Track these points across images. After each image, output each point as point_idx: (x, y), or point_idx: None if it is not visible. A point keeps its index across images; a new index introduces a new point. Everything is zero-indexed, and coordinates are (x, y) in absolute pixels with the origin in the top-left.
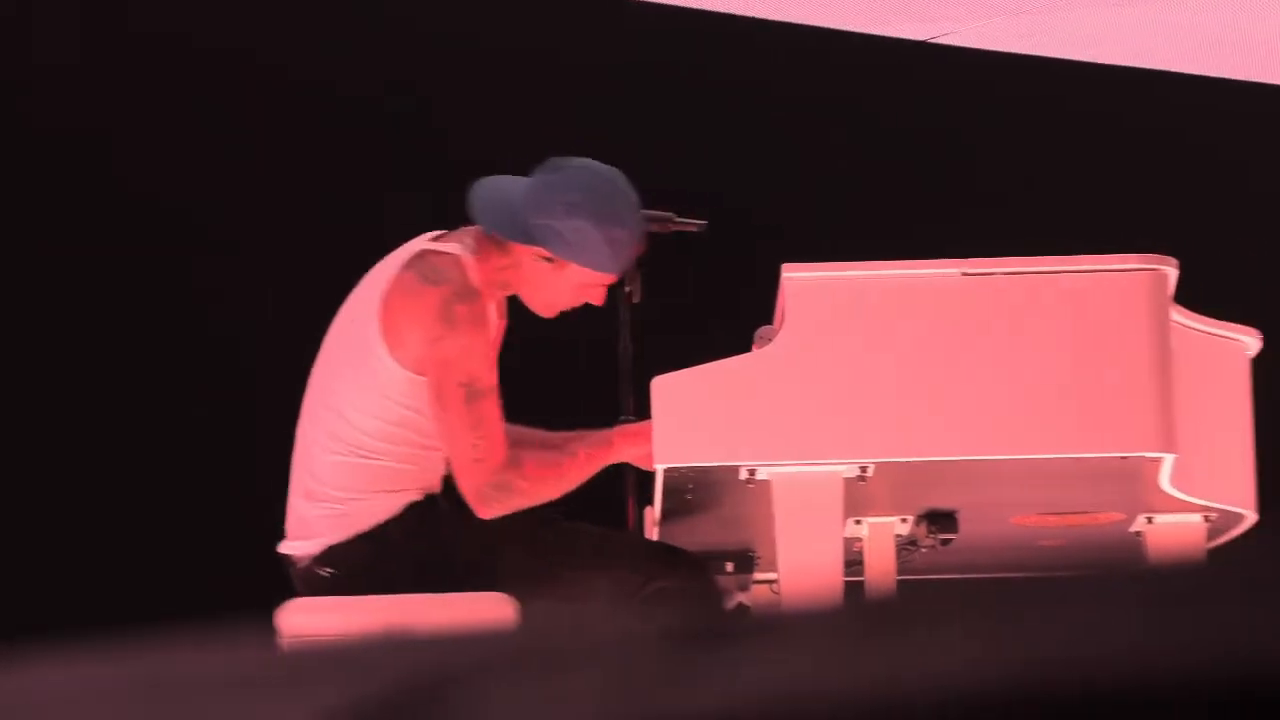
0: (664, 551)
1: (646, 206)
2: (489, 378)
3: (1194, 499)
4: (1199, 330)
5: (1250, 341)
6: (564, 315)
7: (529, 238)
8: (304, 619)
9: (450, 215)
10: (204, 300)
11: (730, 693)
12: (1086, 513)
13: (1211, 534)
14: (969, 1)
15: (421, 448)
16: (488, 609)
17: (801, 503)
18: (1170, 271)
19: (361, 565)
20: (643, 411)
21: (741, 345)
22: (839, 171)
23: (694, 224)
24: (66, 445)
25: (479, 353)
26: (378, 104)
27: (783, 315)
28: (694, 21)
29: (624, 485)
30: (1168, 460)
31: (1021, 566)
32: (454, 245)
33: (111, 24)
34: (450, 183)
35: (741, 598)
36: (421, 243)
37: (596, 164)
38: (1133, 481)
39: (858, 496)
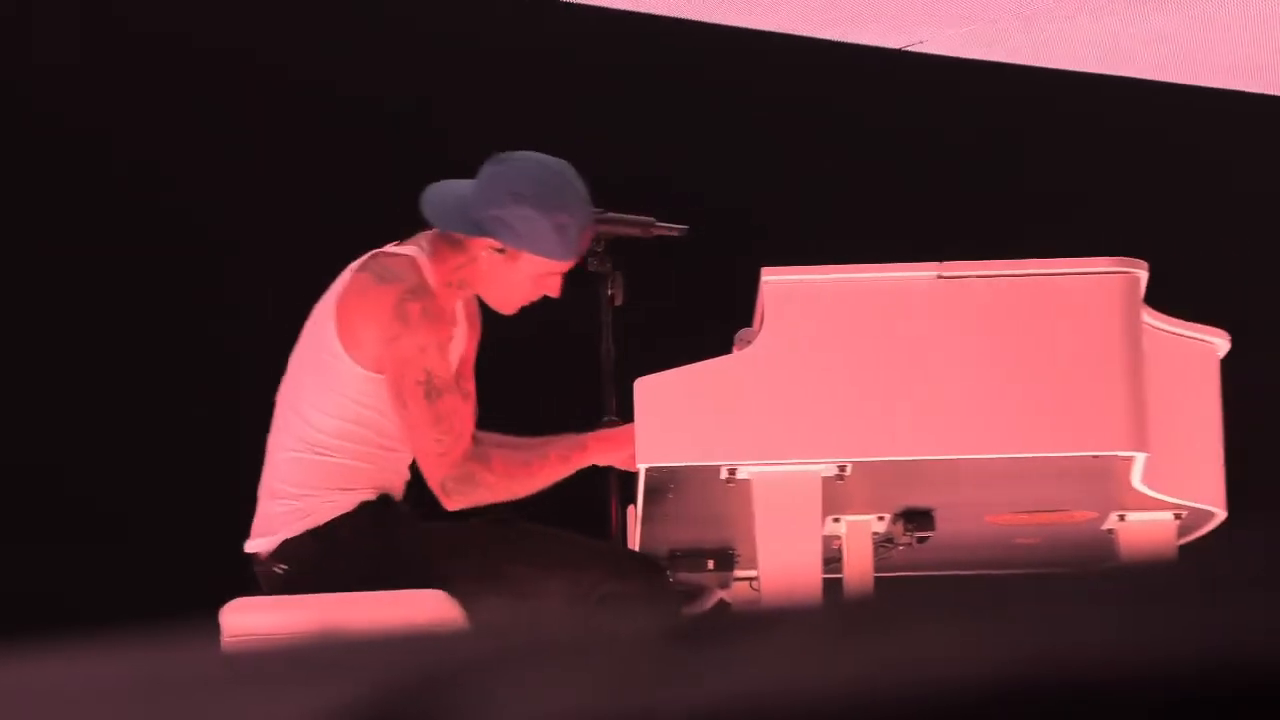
0: (617, 554)
1: (630, 210)
2: (447, 373)
3: (1165, 497)
4: (1169, 332)
5: (1220, 343)
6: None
7: (479, 230)
8: (244, 618)
9: None
10: (204, 300)
11: (722, 690)
12: (1060, 511)
13: (1182, 531)
14: (941, 11)
15: (380, 447)
16: (428, 608)
17: (781, 501)
18: (1141, 274)
19: (311, 562)
20: (625, 412)
21: (722, 347)
22: (816, 176)
23: (675, 228)
24: (66, 445)
25: (435, 349)
26: (378, 104)
27: (762, 317)
28: (682, 30)
29: (607, 484)
30: (1139, 459)
31: (997, 564)
32: (408, 248)
33: (111, 24)
34: None
35: (722, 594)
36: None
37: (541, 155)
38: (1105, 480)
39: (836, 495)
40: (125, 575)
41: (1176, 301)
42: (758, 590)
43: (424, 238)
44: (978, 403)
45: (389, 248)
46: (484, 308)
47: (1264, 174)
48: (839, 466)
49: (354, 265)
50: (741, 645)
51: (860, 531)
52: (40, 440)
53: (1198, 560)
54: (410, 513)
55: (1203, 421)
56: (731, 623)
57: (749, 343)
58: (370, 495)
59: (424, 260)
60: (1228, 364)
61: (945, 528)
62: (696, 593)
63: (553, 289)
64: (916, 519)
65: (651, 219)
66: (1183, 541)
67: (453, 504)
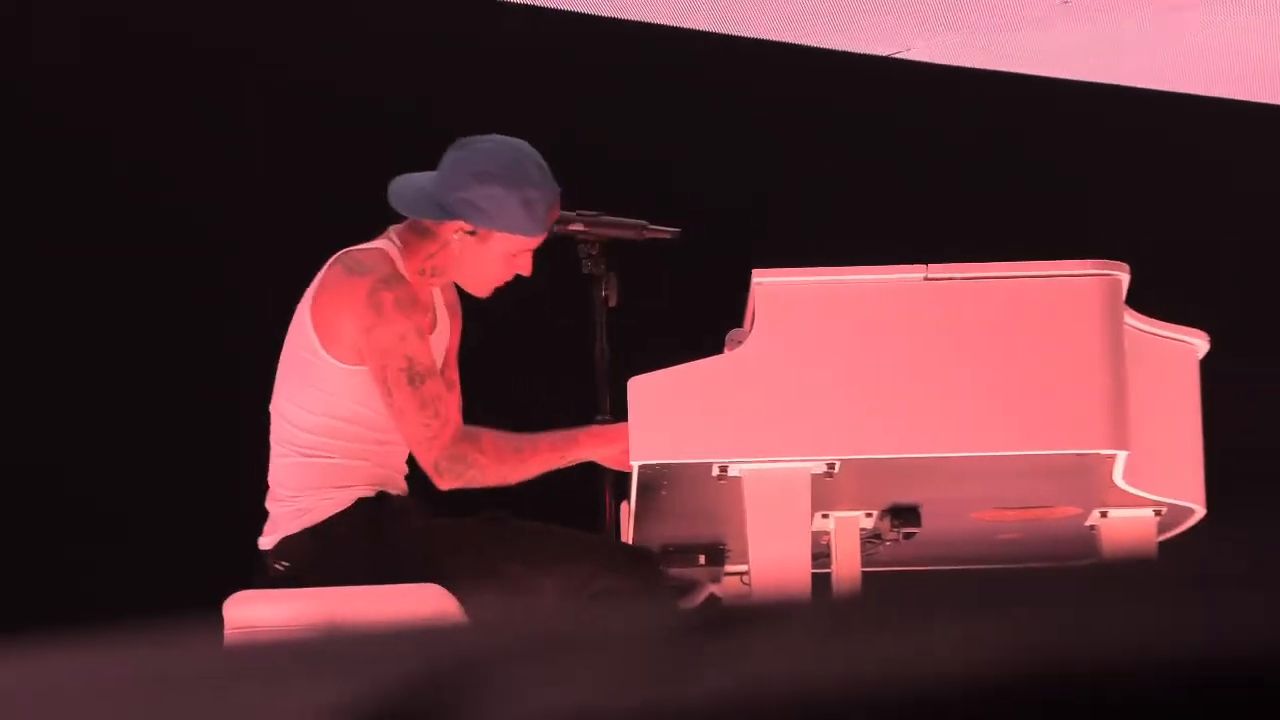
0: (612, 548)
1: (625, 214)
2: (428, 358)
3: (1146, 494)
4: (1150, 333)
5: (1199, 344)
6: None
7: (447, 214)
8: (247, 611)
9: None
10: (204, 300)
11: (731, 683)
12: (1043, 507)
13: (1162, 528)
14: (928, 20)
15: (372, 442)
16: (426, 602)
17: (771, 498)
18: (1123, 277)
19: (308, 560)
20: (619, 411)
21: (714, 348)
22: (806, 179)
23: (668, 231)
24: (67, 445)
25: (414, 335)
26: (378, 104)
27: (753, 318)
28: (678, 38)
29: (601, 481)
30: (1121, 457)
31: (981, 559)
32: (379, 241)
33: (112, 24)
34: None
35: (713, 589)
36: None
37: (502, 136)
38: (1087, 477)
39: (825, 492)
40: (125, 573)
41: (1158, 303)
42: (748, 585)
43: (393, 231)
44: (963, 402)
45: (359, 245)
46: (465, 300)
47: (1249, 177)
48: (828, 464)
49: (326, 264)
50: (744, 640)
51: (848, 527)
52: (40, 439)
53: (1193, 557)
54: (408, 509)
55: (1182, 420)
56: (735, 617)
57: (740, 343)
58: (367, 492)
59: (394, 252)
60: (1208, 364)
61: (931, 524)
62: (688, 587)
63: (524, 267)
64: (903, 515)
65: (645, 222)
66: (1162, 538)
67: (445, 483)
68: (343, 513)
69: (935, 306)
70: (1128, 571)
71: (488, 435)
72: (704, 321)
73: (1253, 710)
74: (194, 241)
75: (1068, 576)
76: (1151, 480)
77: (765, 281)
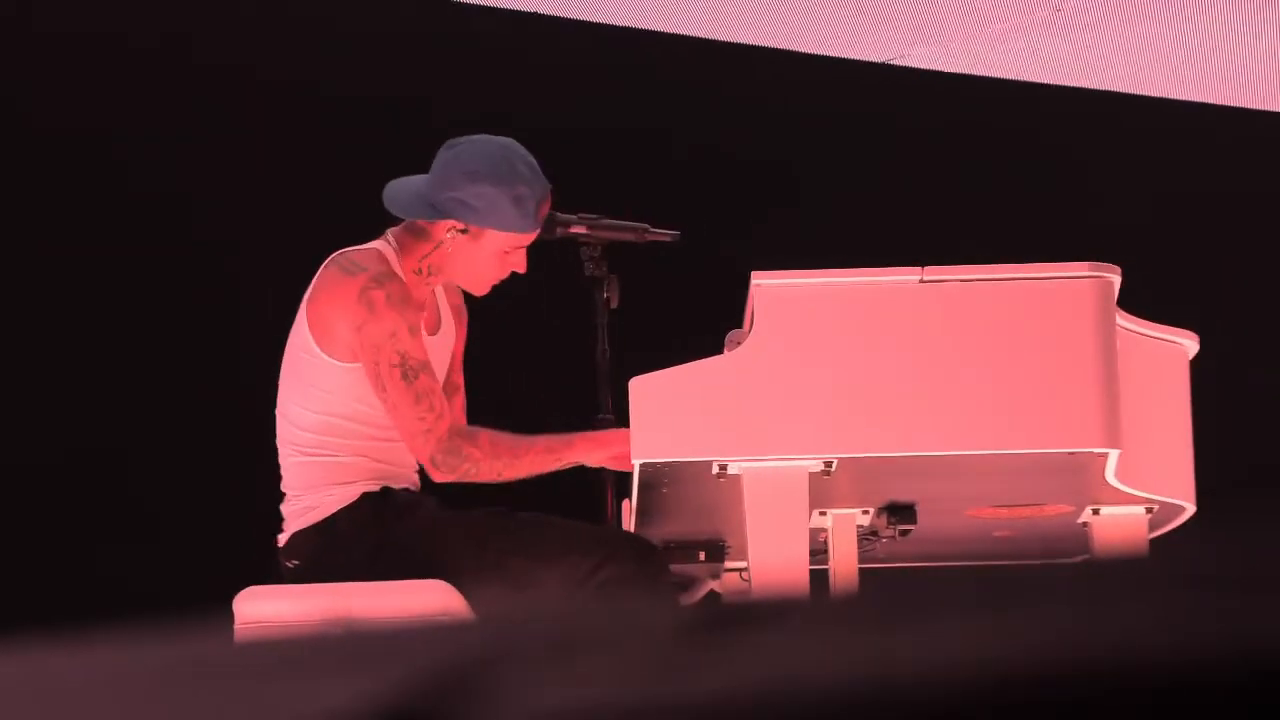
0: (614, 538)
1: (626, 218)
2: (421, 354)
3: (1137, 492)
4: (1142, 334)
5: (1189, 344)
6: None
7: (441, 213)
8: (257, 606)
9: None
10: (204, 300)
11: (738, 679)
12: (1037, 505)
13: (1153, 525)
14: (922, 28)
15: (373, 439)
16: (431, 597)
17: (770, 496)
18: (1114, 279)
19: (314, 556)
20: (620, 411)
21: (713, 348)
22: (805, 182)
23: (668, 234)
24: (66, 445)
25: (406, 332)
26: (378, 104)
27: (752, 319)
28: (682, 44)
29: (603, 479)
30: (1113, 455)
31: (976, 556)
32: (375, 243)
33: (112, 24)
34: None
35: (713, 584)
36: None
37: (492, 136)
38: (1080, 475)
39: (822, 490)
40: (120, 573)
41: (1149, 306)
42: (748, 581)
43: (389, 233)
44: (958, 401)
45: (354, 246)
46: (470, 302)
47: (1235, 179)
48: (825, 462)
49: (322, 266)
50: (754, 636)
51: (845, 525)
52: (40, 440)
53: (1184, 557)
54: (413, 503)
55: (1173, 419)
56: (744, 613)
57: (739, 344)
58: (371, 486)
59: (390, 252)
60: (1198, 364)
61: (927, 521)
62: (688, 583)
63: (519, 264)
64: (899, 513)
65: (645, 225)
66: (1153, 535)
67: (439, 476)
68: (346, 508)
69: (931, 308)
70: (1121, 571)
71: (484, 433)
72: (704, 322)
73: (1245, 709)
74: (194, 241)
75: (1063, 576)
76: (1143, 478)
77: (764, 283)
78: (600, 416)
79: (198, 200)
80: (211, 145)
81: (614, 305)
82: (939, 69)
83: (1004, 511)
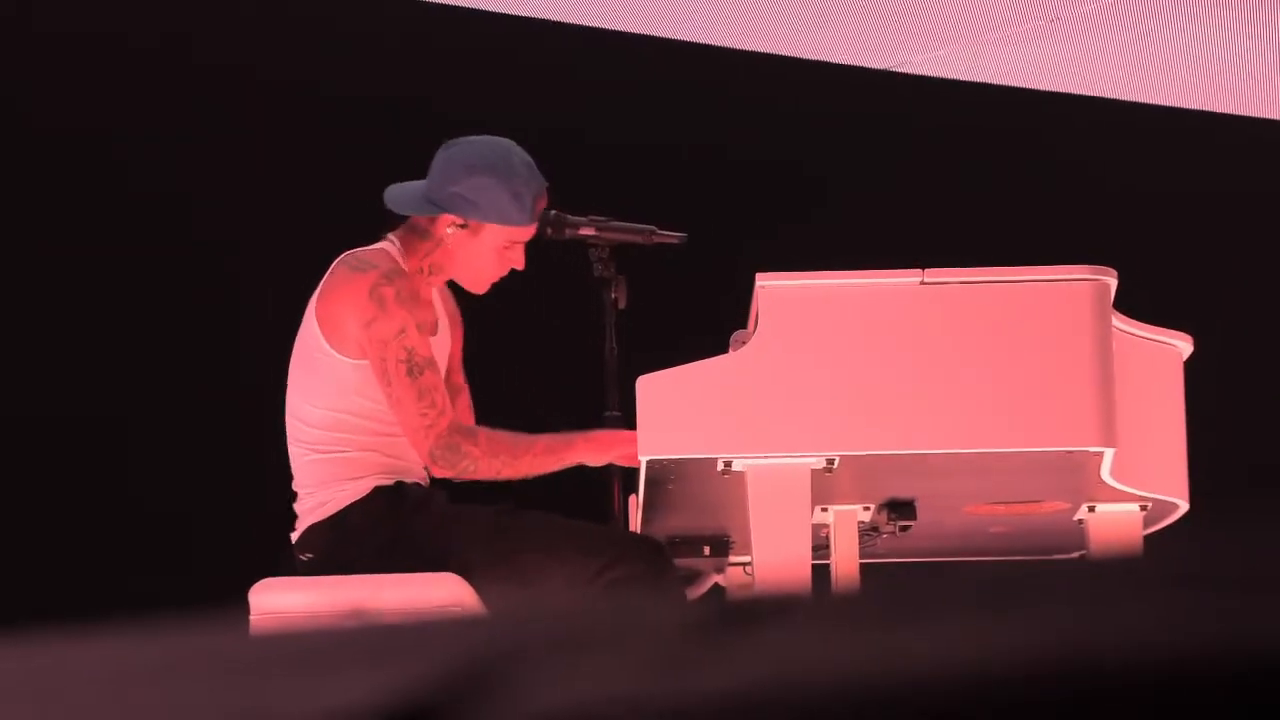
0: (622, 538)
1: (632, 219)
2: (427, 351)
3: (1132, 489)
4: (1137, 335)
5: (1183, 345)
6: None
7: (440, 208)
8: (271, 598)
9: None
10: (204, 300)
11: (744, 676)
12: (1033, 502)
13: (1147, 522)
14: (920, 35)
15: (382, 434)
16: (443, 591)
17: (773, 492)
18: (1110, 281)
19: (328, 549)
20: (628, 408)
21: (718, 348)
22: (808, 185)
23: (675, 236)
24: (67, 445)
25: (413, 329)
26: (378, 104)
27: (756, 320)
28: (687, 51)
29: (611, 475)
30: (1108, 454)
31: (974, 551)
32: (379, 244)
33: (112, 24)
34: None
35: (717, 578)
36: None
37: (488, 135)
38: (1076, 473)
39: (824, 486)
40: (120, 572)
41: (1144, 306)
42: (751, 575)
43: (391, 235)
44: (958, 400)
45: (361, 247)
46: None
47: (1233, 183)
48: (827, 459)
49: (331, 266)
50: (760, 633)
51: (847, 520)
52: (41, 440)
53: (1180, 556)
54: (425, 497)
55: (1167, 418)
56: (750, 610)
57: (744, 343)
58: (384, 480)
59: (395, 252)
60: (1191, 365)
61: (926, 517)
62: (694, 577)
63: (517, 261)
64: (899, 509)
65: (653, 227)
66: (1148, 531)
67: (440, 471)
68: (359, 501)
69: (931, 309)
70: (1121, 570)
71: (484, 431)
72: (709, 322)
73: (1243, 707)
74: (194, 241)
75: (1065, 574)
76: (1137, 476)
77: (768, 284)
78: (608, 414)
79: (198, 200)
80: (211, 145)
81: (622, 305)
82: (940, 75)
83: (1001, 508)
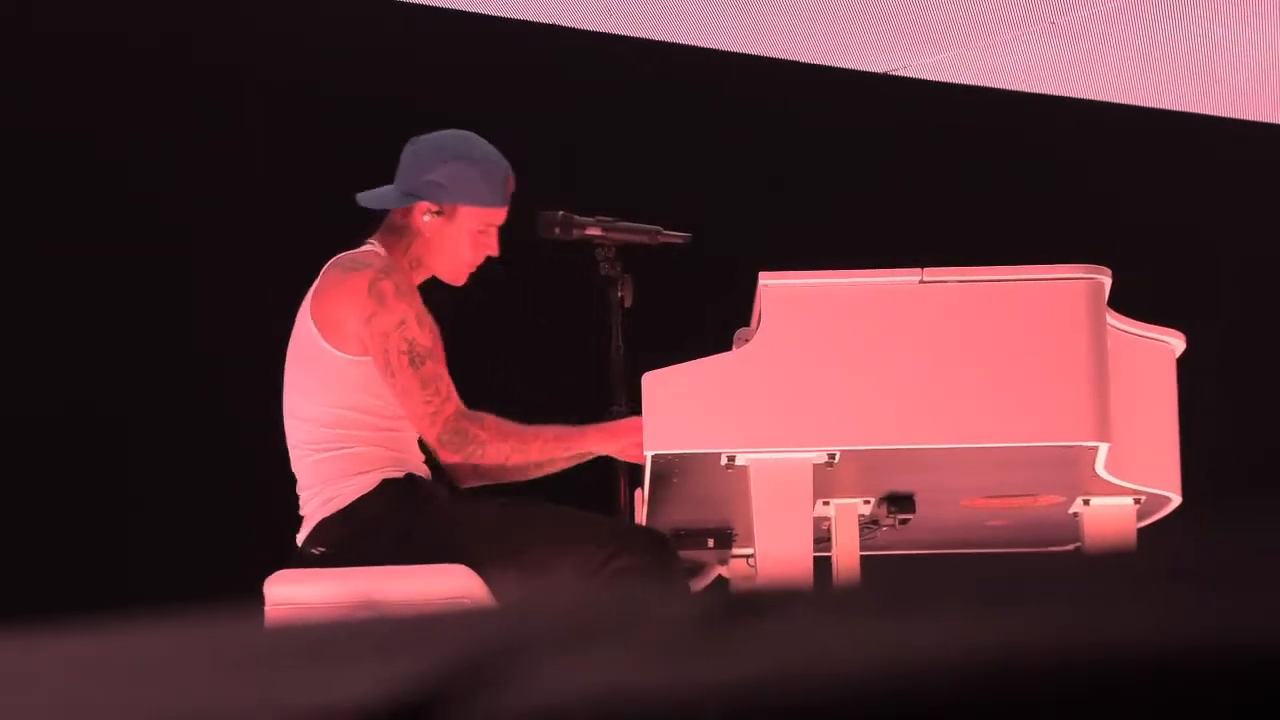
0: (628, 529)
1: (637, 220)
2: (427, 341)
3: (1126, 483)
4: (1131, 333)
5: (1176, 343)
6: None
7: (415, 197)
8: (286, 590)
9: None
10: (204, 300)
11: (751, 665)
12: (1029, 495)
13: (1141, 515)
14: (923, 39)
15: (385, 429)
16: (454, 582)
17: (775, 486)
18: (1105, 280)
19: (339, 542)
20: (634, 403)
21: (722, 345)
22: (810, 186)
23: (680, 236)
24: (66, 446)
25: (413, 320)
26: (378, 104)
27: (759, 318)
28: (692, 54)
29: (617, 470)
30: (1103, 449)
31: (971, 544)
32: (365, 245)
33: (112, 24)
34: None
35: (721, 570)
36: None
37: (449, 129)
38: (1071, 467)
39: (826, 480)
40: (117, 572)
41: (1138, 306)
42: (754, 567)
43: (371, 238)
44: (956, 397)
45: (349, 251)
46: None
47: (1221, 186)
48: (829, 454)
49: (323, 270)
50: (764, 624)
51: (847, 514)
52: (40, 441)
53: (1174, 551)
54: (435, 490)
55: (1160, 414)
56: (754, 601)
57: (747, 341)
58: (393, 473)
59: (382, 251)
60: (1184, 362)
61: (925, 510)
62: (697, 569)
63: (492, 246)
64: (899, 502)
65: (658, 228)
66: (1141, 524)
67: (446, 456)
68: (369, 494)
69: (930, 307)
70: (1119, 564)
71: (490, 416)
72: (713, 320)
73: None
74: (194, 242)
75: (1063, 567)
76: (1131, 470)
77: (771, 283)
78: (615, 408)
79: (198, 200)
80: (211, 145)
81: (628, 304)
82: (939, 79)
83: (998, 502)
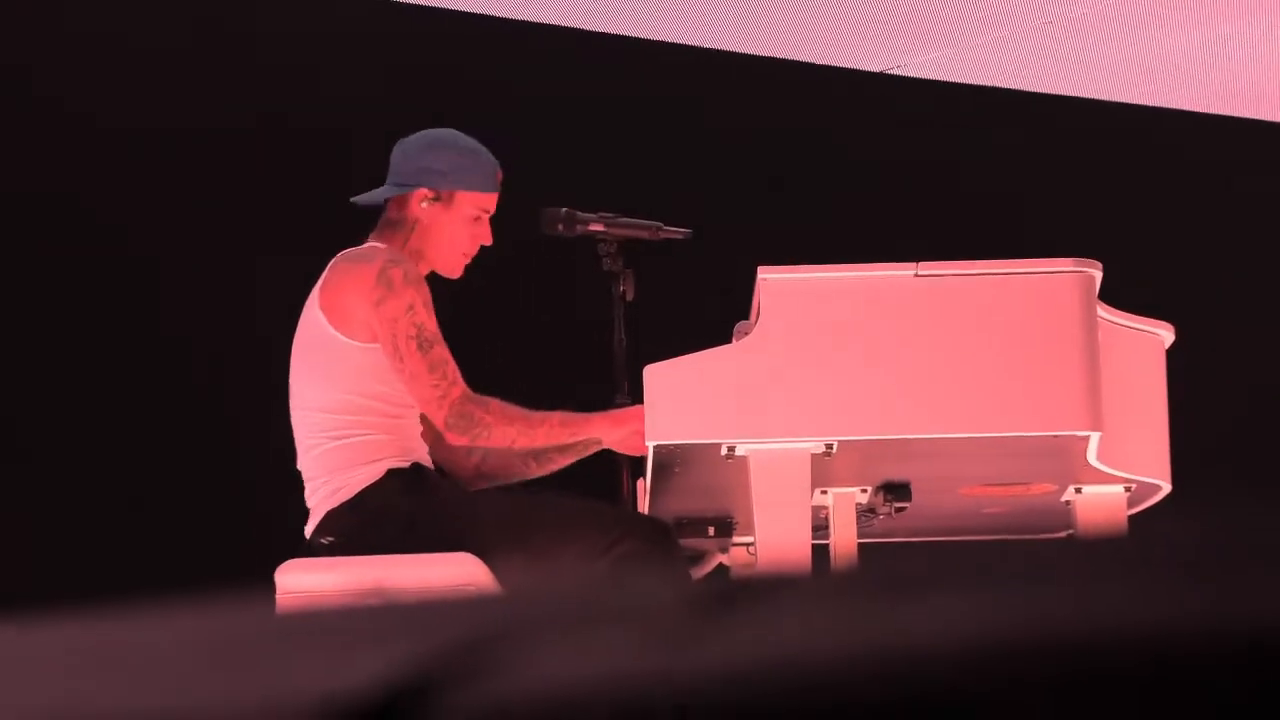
0: (630, 517)
1: (638, 216)
2: (435, 326)
3: (1117, 472)
4: (1121, 324)
5: (1165, 334)
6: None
7: (410, 184)
8: (297, 578)
9: None
10: (203, 300)
11: (750, 650)
12: (1023, 484)
13: (1131, 503)
14: (919, 37)
15: (393, 416)
16: (461, 569)
17: (774, 475)
18: (1096, 273)
19: (347, 531)
20: (635, 396)
21: (722, 338)
22: (808, 183)
23: (680, 231)
24: (66, 446)
25: (421, 306)
26: (378, 104)
27: (758, 311)
28: (692, 54)
29: (619, 461)
30: (1094, 438)
31: (967, 531)
32: (366, 244)
33: (112, 24)
34: None
35: (721, 558)
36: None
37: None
38: (1064, 456)
39: (824, 470)
40: (117, 572)
41: (1128, 298)
42: (754, 555)
43: (371, 236)
44: (951, 387)
45: (353, 247)
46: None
47: (1214, 182)
48: (826, 444)
49: (328, 266)
50: (763, 609)
51: (845, 502)
52: (41, 441)
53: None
54: (440, 479)
55: (1150, 404)
56: (752, 587)
57: (747, 334)
58: (399, 463)
59: (382, 246)
60: (1173, 353)
61: (921, 499)
62: (698, 556)
63: (485, 236)
64: (895, 491)
65: (659, 223)
66: (1132, 512)
67: (453, 439)
68: (376, 483)
69: (925, 301)
70: (1113, 549)
71: (496, 400)
72: (713, 313)
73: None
74: (192, 242)
75: (1058, 552)
76: (1122, 459)
77: (770, 277)
78: (618, 399)
79: (197, 201)
80: (211, 145)
81: (630, 298)
82: (935, 78)
83: (993, 490)
